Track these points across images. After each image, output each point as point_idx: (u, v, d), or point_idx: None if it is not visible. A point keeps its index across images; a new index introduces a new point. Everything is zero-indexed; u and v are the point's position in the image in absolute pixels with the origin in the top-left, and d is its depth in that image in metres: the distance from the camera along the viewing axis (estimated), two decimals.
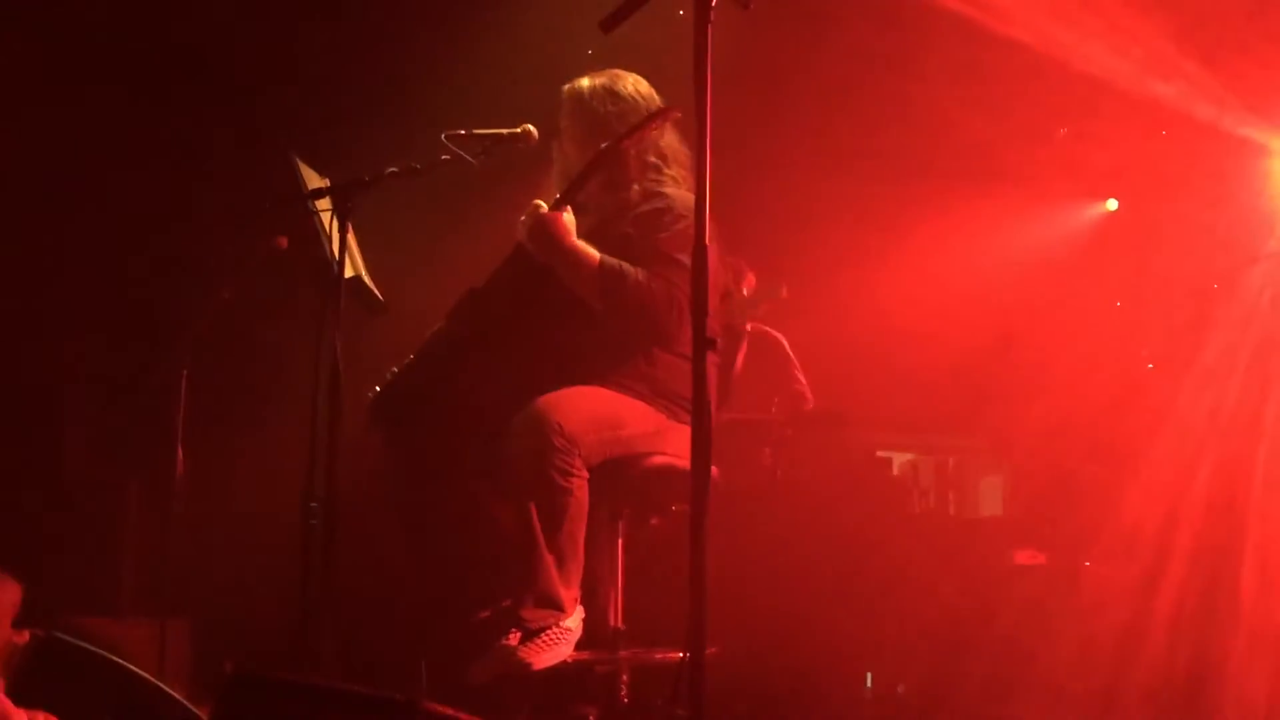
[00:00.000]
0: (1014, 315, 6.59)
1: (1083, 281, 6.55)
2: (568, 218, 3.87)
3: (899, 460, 7.07)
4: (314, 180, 4.01)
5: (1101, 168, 7.10)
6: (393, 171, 3.93)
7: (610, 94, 4.07)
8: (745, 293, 6.39)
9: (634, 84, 4.11)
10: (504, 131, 4.02)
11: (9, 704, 2.89)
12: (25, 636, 3.34)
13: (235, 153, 5.77)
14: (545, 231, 3.86)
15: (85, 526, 5.52)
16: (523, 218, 3.92)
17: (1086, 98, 6.79)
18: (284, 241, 4.55)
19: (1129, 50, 6.39)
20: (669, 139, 4.08)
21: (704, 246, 2.73)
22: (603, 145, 3.81)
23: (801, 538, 5.92)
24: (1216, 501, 5.65)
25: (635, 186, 4.03)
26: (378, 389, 4.00)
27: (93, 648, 3.22)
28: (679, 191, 4.01)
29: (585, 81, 4.13)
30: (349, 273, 3.94)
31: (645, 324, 3.86)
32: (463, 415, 3.93)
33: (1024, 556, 6.05)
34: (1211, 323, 6.11)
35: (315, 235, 3.97)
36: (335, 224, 3.86)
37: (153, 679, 3.20)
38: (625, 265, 3.84)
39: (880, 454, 6.88)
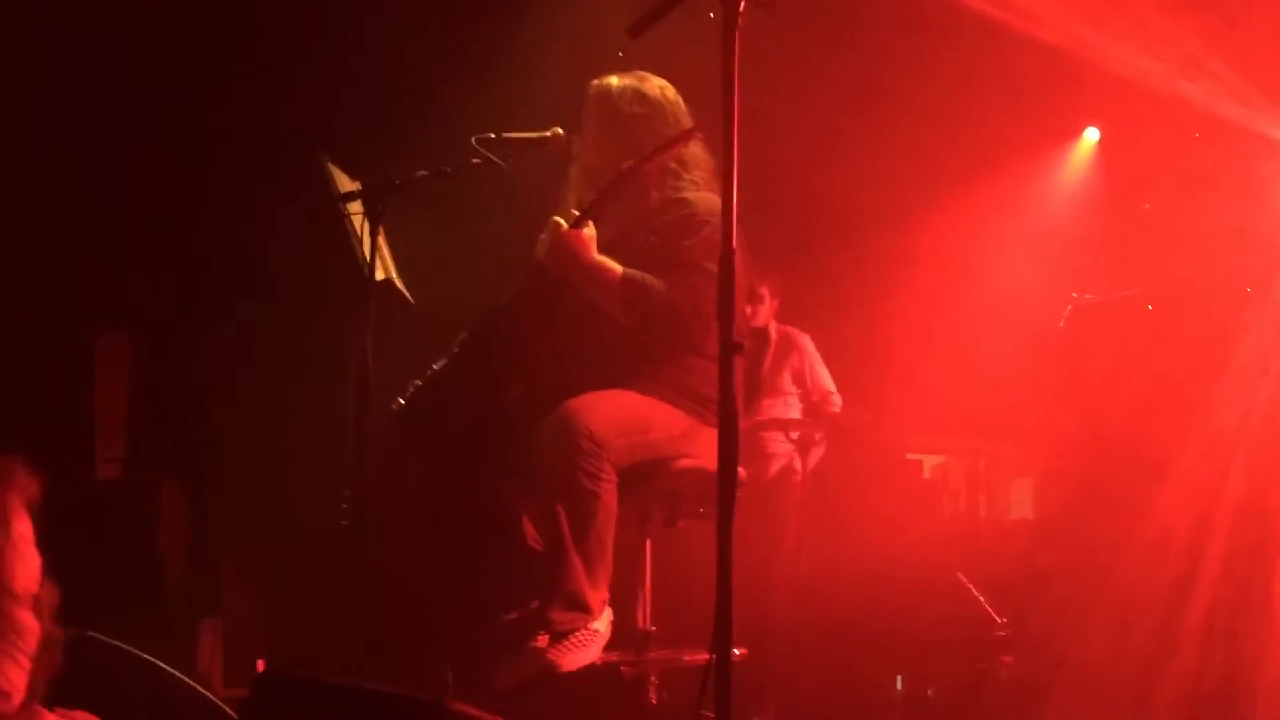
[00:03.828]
0: (1045, 318, 6.56)
1: (1113, 284, 6.52)
2: (588, 232, 3.82)
3: (930, 462, 7.08)
4: (345, 183, 4.04)
5: (1133, 170, 7.08)
6: (423, 175, 3.95)
7: (638, 95, 4.03)
8: (769, 296, 6.41)
9: (661, 87, 4.07)
10: (533, 135, 4.02)
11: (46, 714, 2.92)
12: (60, 635, 3.38)
13: (267, 156, 5.80)
14: (565, 250, 3.81)
15: (119, 526, 5.56)
16: (542, 235, 3.89)
17: (1117, 100, 6.77)
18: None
19: (1159, 51, 6.37)
20: (690, 145, 4.00)
21: (731, 250, 2.73)
22: (625, 166, 3.75)
23: (832, 540, 5.93)
24: (1249, 506, 5.61)
25: (654, 194, 3.97)
26: (401, 400, 4.00)
27: (126, 646, 3.25)
28: (700, 194, 3.97)
29: (614, 80, 4.08)
30: (380, 275, 3.97)
31: (671, 334, 3.83)
32: (489, 422, 3.94)
33: (1054, 559, 6.03)
34: (1244, 326, 6.07)
35: (347, 238, 3.99)
36: (366, 227, 3.89)
37: (185, 678, 3.23)
38: (648, 277, 3.81)
39: (911, 456, 6.89)
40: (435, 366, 3.99)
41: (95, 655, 3.19)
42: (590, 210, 3.82)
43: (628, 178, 3.77)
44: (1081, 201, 7.50)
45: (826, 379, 6.55)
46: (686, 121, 4.01)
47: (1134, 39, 6.35)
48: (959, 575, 5.79)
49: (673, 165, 3.99)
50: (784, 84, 6.49)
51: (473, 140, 3.97)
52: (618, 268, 3.83)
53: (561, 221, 3.85)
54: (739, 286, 2.77)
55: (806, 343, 6.59)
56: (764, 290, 6.37)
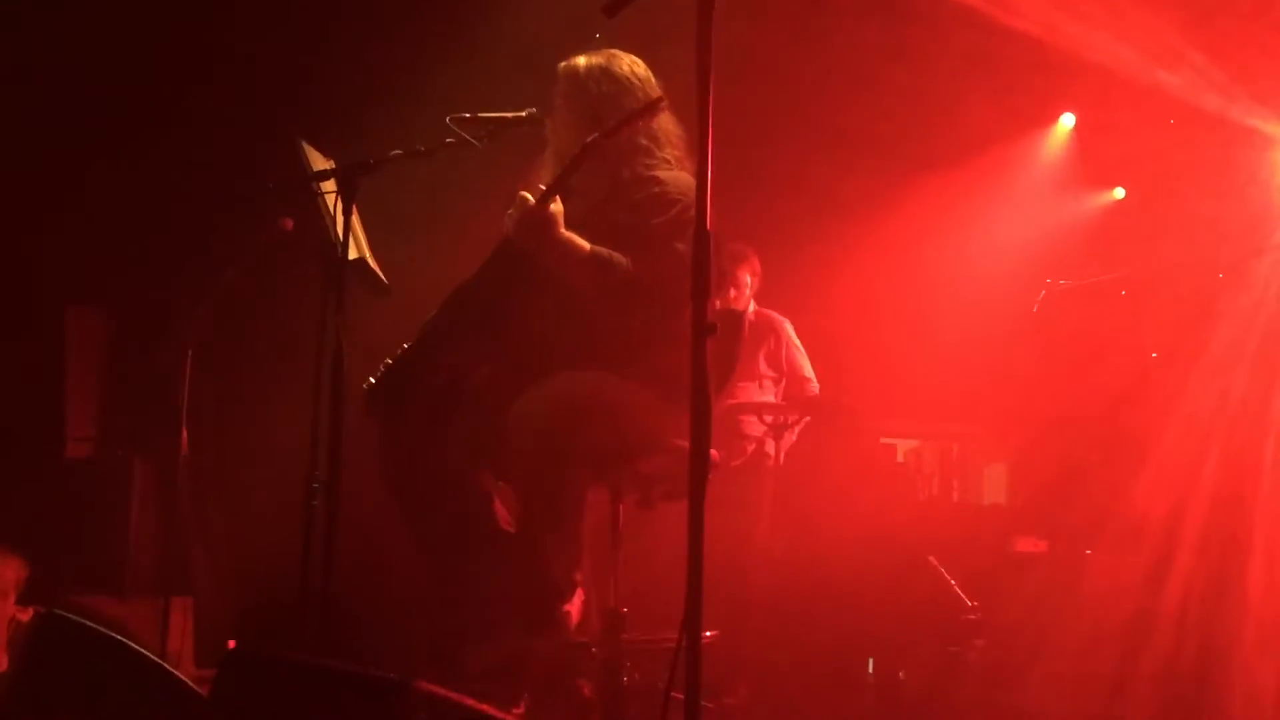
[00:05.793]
0: (1019, 304, 6.57)
1: (1088, 271, 6.53)
2: (555, 208, 3.77)
3: (903, 447, 7.07)
4: (319, 162, 4.02)
5: (1108, 157, 7.10)
6: (397, 154, 3.94)
7: (606, 74, 3.99)
8: (749, 278, 6.40)
9: (630, 65, 4.03)
10: (509, 115, 4.01)
11: None
12: (29, 614, 3.36)
13: (241, 134, 5.77)
14: (533, 224, 3.75)
15: (90, 505, 5.54)
16: (510, 210, 3.85)
17: (1094, 87, 6.79)
18: (289, 223, 4.55)
19: (1137, 40, 6.38)
20: (662, 121, 3.98)
21: (706, 231, 2.72)
22: (589, 139, 3.72)
23: (805, 524, 5.94)
24: (1223, 492, 5.63)
25: (625, 171, 3.94)
26: (372, 380, 3.98)
27: (96, 626, 3.23)
28: (673, 173, 3.94)
29: (581, 60, 4.05)
30: (353, 255, 3.95)
31: (635, 313, 3.82)
32: (460, 403, 3.92)
33: (1027, 544, 6.06)
34: (1218, 314, 6.09)
35: (320, 217, 3.97)
36: (340, 206, 3.87)
37: (155, 657, 3.21)
38: (615, 254, 3.78)
39: (884, 440, 6.89)
40: (405, 346, 3.97)
41: (64, 634, 3.17)
42: (557, 185, 3.77)
43: (592, 151, 3.73)
44: (1056, 186, 7.51)
45: (805, 365, 6.55)
46: (657, 95, 3.97)
47: (1112, 28, 6.36)
48: (930, 559, 5.81)
49: (644, 141, 3.96)
50: (763, 70, 6.49)
51: (448, 119, 3.95)
52: (585, 244, 3.79)
53: (529, 196, 3.79)
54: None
55: (786, 327, 6.58)
56: (743, 273, 6.36)
